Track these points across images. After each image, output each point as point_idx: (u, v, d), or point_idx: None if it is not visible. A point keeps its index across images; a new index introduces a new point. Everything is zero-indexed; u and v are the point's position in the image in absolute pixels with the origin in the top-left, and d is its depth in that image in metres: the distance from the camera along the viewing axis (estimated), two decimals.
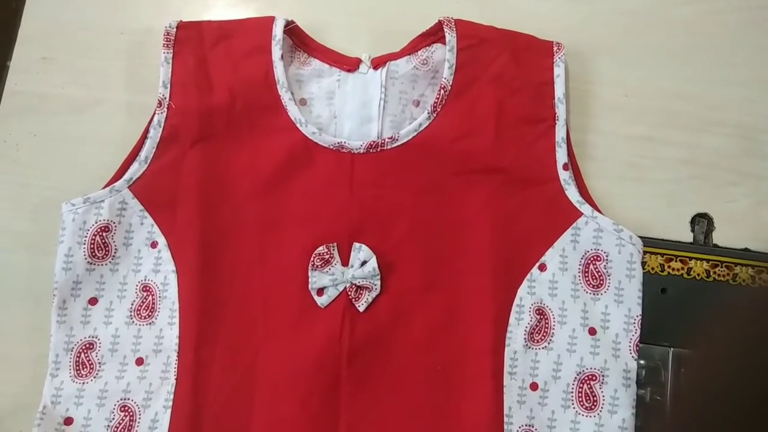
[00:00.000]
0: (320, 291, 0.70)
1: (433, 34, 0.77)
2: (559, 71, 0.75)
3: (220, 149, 0.74)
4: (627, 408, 0.68)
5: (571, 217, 0.72)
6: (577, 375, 0.69)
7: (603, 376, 0.69)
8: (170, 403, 0.68)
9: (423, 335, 0.70)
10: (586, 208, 0.71)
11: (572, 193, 0.72)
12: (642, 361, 0.70)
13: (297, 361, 0.69)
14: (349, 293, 0.70)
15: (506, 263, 0.71)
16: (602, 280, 0.70)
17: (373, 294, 0.70)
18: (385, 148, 0.73)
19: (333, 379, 0.69)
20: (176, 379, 0.68)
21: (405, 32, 0.78)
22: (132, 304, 0.71)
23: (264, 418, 0.68)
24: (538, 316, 0.70)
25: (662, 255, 0.73)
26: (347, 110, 0.76)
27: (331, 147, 0.73)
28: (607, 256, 0.70)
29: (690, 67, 0.80)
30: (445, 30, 0.75)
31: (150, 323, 0.70)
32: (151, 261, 0.72)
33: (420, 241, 0.72)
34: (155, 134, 0.73)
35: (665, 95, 0.79)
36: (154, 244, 0.72)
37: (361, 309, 0.70)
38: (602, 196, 0.75)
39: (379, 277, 0.70)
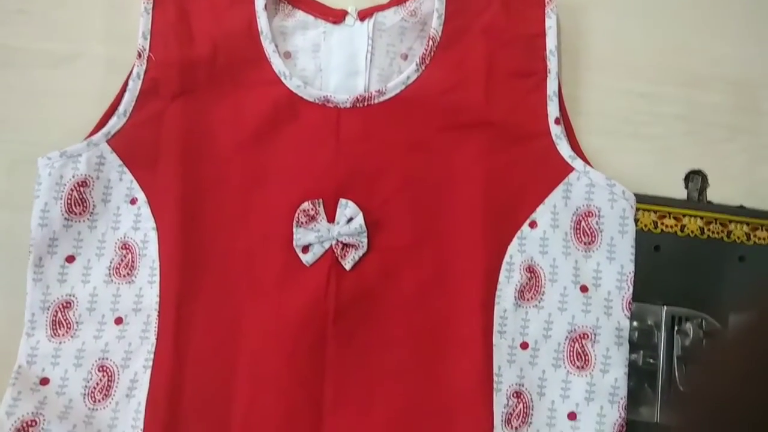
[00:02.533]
0: (305, 248, 0.68)
1: None
2: (550, 23, 0.73)
3: (201, 103, 0.71)
4: (619, 367, 0.67)
5: (562, 172, 0.70)
6: (569, 333, 0.67)
7: (595, 334, 0.67)
8: (150, 363, 0.66)
9: (411, 294, 0.68)
10: (578, 163, 0.70)
11: (564, 148, 0.70)
12: (635, 323, 0.68)
13: (282, 320, 0.67)
14: (335, 251, 0.68)
15: (496, 220, 0.69)
16: (594, 236, 0.69)
17: (360, 252, 0.68)
18: (372, 102, 0.71)
19: (319, 338, 0.67)
20: (156, 338, 0.66)
21: None
22: (111, 263, 0.69)
23: (248, 376, 0.66)
24: (529, 274, 0.68)
25: (655, 212, 0.71)
26: (333, 63, 0.74)
27: (317, 101, 0.71)
28: (599, 211, 0.69)
29: (687, 22, 0.78)
30: None
31: (129, 282, 0.68)
32: (130, 218, 0.69)
33: (408, 198, 0.70)
34: (134, 87, 0.70)
35: (661, 50, 0.77)
36: (133, 201, 0.70)
37: (348, 267, 0.68)
38: (594, 152, 0.73)
39: (365, 234, 0.68)
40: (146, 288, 0.68)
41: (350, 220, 0.69)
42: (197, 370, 0.66)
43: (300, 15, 0.75)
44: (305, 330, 0.67)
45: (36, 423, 0.64)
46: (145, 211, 0.69)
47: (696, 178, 0.73)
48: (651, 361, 0.69)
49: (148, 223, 0.69)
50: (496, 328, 0.67)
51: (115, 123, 0.70)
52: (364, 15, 0.75)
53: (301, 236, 0.68)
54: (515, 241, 0.69)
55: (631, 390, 0.67)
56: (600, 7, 0.78)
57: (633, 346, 0.68)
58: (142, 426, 0.64)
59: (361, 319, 0.68)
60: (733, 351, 0.46)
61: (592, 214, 0.69)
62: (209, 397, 0.66)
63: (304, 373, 0.66)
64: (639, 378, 0.68)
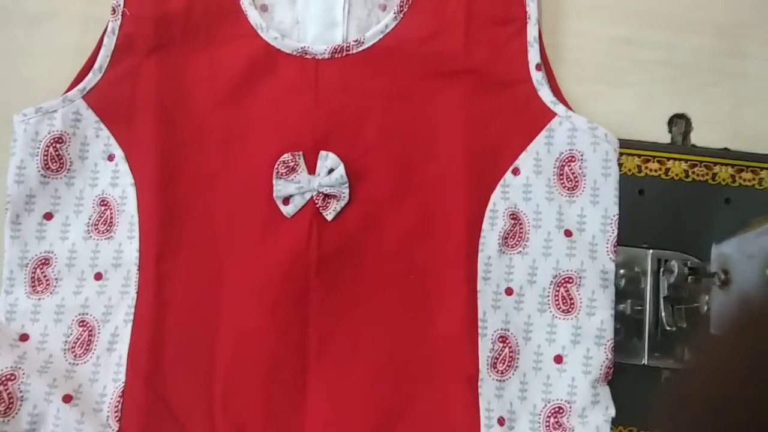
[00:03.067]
0: (286, 200, 0.68)
1: None
2: None
3: (177, 57, 0.70)
4: (605, 309, 0.66)
5: (544, 118, 0.69)
6: (553, 278, 0.67)
7: (580, 278, 0.66)
8: (131, 317, 0.65)
9: (394, 244, 0.67)
10: (559, 108, 0.69)
11: (545, 94, 0.69)
12: (622, 271, 0.68)
13: (264, 272, 0.66)
14: (316, 202, 0.67)
15: (478, 169, 0.68)
16: (577, 181, 0.68)
17: (342, 203, 0.67)
18: (350, 52, 0.70)
19: (302, 289, 0.66)
20: (137, 292, 0.65)
21: None
22: (89, 219, 0.68)
23: (231, 329, 0.65)
24: (513, 221, 0.68)
25: (639, 156, 0.71)
26: (310, 15, 0.73)
27: (294, 53, 0.70)
28: (582, 155, 0.68)
29: None
30: None
31: (108, 237, 0.67)
32: (108, 174, 0.69)
33: (389, 148, 0.69)
34: (110, 43, 0.70)
35: None
36: (111, 157, 0.69)
37: (329, 218, 0.67)
38: (577, 99, 0.72)
39: (347, 185, 0.67)
40: (125, 243, 0.67)
41: (331, 171, 0.68)
42: (179, 323, 0.65)
43: None
44: (288, 281, 0.66)
45: (15, 377, 0.63)
46: (123, 167, 0.68)
47: (679, 122, 0.73)
48: (639, 308, 0.68)
49: (126, 178, 0.68)
50: (480, 274, 0.66)
51: (91, 79, 0.69)
52: None
53: (281, 187, 0.67)
54: (498, 188, 0.68)
55: (620, 336, 0.66)
56: None
57: (621, 294, 0.68)
58: (123, 379, 0.64)
59: (343, 270, 0.67)
60: (726, 355, 0.45)
61: (575, 159, 0.68)
62: (191, 349, 0.65)
63: (288, 323, 0.66)
64: (627, 325, 0.67)
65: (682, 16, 0.76)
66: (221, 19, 0.71)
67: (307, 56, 0.70)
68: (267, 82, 0.70)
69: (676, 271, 0.66)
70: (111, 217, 0.68)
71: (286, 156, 0.67)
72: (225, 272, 0.67)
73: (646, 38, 0.75)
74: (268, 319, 0.65)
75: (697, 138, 0.72)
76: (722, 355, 0.46)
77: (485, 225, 0.67)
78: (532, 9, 0.71)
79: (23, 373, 0.64)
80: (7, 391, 0.63)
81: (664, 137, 0.72)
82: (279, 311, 0.66)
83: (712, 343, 0.55)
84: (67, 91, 0.69)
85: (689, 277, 0.66)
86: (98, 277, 0.67)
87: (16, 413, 0.63)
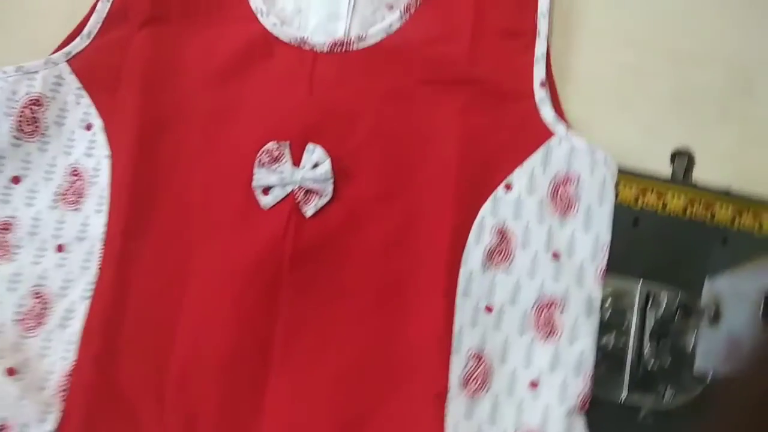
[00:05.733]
0: (266, 190, 0.64)
1: None
2: None
3: (171, 33, 0.68)
4: (587, 337, 0.63)
5: (543, 136, 0.66)
6: (537, 301, 0.64)
7: (564, 303, 0.63)
8: (89, 294, 0.62)
9: (374, 247, 0.64)
10: (560, 128, 0.66)
11: (547, 112, 0.67)
12: (607, 302, 0.65)
13: (234, 262, 0.63)
14: (297, 196, 0.64)
15: (470, 180, 0.65)
16: (571, 204, 0.65)
17: (324, 200, 0.64)
18: (351, 48, 0.68)
19: (272, 284, 0.63)
20: (99, 269, 0.62)
21: None
22: (58, 188, 0.65)
23: (192, 317, 0.62)
24: (500, 237, 0.65)
25: (637, 186, 0.68)
26: (314, 5, 0.71)
27: (292, 42, 0.68)
28: (578, 178, 0.65)
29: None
30: None
31: (76, 209, 0.64)
32: (84, 144, 0.66)
33: (380, 149, 0.66)
34: (103, 9, 0.67)
35: (657, 24, 0.74)
36: (89, 126, 0.66)
37: (309, 214, 0.64)
38: (578, 121, 0.69)
39: (331, 182, 0.64)
40: (93, 217, 0.64)
41: (316, 165, 0.65)
42: (138, 306, 0.62)
43: None
44: (258, 274, 0.63)
45: None
46: (101, 137, 0.65)
47: (682, 157, 0.70)
48: (622, 342, 0.64)
49: (102, 150, 0.65)
50: (460, 288, 0.63)
51: (78, 44, 0.67)
52: None
53: (261, 177, 0.64)
54: (488, 202, 0.65)
55: (600, 369, 0.63)
56: None
57: (605, 327, 0.64)
58: (73, 357, 0.60)
59: (318, 269, 0.64)
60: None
61: (571, 181, 0.65)
62: (149, 333, 0.62)
63: (253, 318, 0.62)
64: (609, 359, 0.64)
65: (694, 50, 0.73)
66: (222, 1, 0.68)
67: (306, 47, 0.67)
68: (261, 69, 0.68)
69: (664, 304, 0.63)
70: (81, 188, 0.65)
71: (271, 144, 0.64)
72: (193, 257, 0.63)
73: (656, 68, 0.72)
74: (233, 310, 0.62)
75: (699, 174, 0.70)
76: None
77: (471, 238, 0.64)
78: (542, 24, 0.68)
79: None
80: None
81: (665, 170, 0.69)
82: (245, 304, 0.63)
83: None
84: (53, 54, 0.66)
85: (678, 311, 0.63)
86: (60, 248, 0.63)
87: None
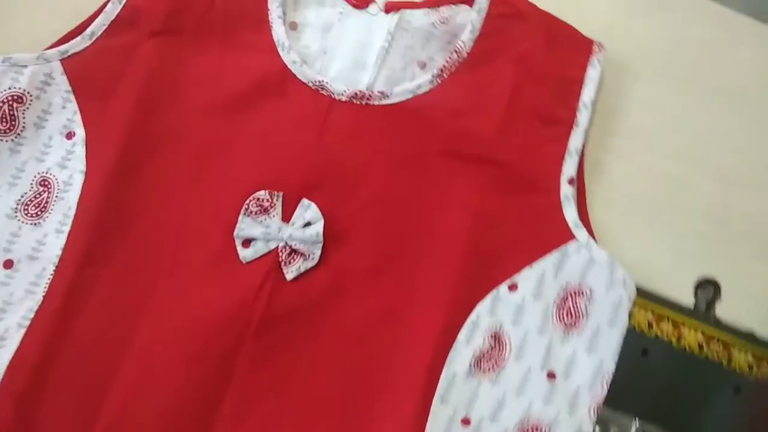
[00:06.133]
0: (247, 242, 0.58)
1: None
2: (593, 73, 0.63)
3: (182, 49, 0.62)
4: None
5: (561, 238, 0.60)
6: (521, 422, 0.57)
7: (551, 430, 0.56)
8: (27, 323, 0.55)
9: (352, 328, 0.58)
10: (581, 233, 0.59)
11: (570, 213, 0.60)
12: (597, 429, 0.58)
13: (196, 313, 0.57)
14: (280, 255, 0.58)
15: (473, 271, 0.59)
16: (578, 319, 0.58)
17: (308, 264, 0.58)
18: (371, 102, 0.61)
19: (232, 347, 0.57)
20: (44, 296, 0.55)
21: None
22: (22, 197, 0.59)
23: (135, 367, 0.55)
24: (493, 342, 0.58)
25: (653, 312, 0.61)
26: (341, 49, 0.65)
27: (310, 84, 0.62)
28: (591, 293, 0.58)
29: (741, 114, 0.68)
30: None
31: (35, 224, 0.58)
32: (60, 153, 0.60)
33: (381, 218, 0.60)
34: (112, 10, 0.62)
35: (703, 136, 0.68)
36: (69, 135, 0.60)
37: (289, 277, 0.58)
38: (603, 229, 0.63)
39: (320, 245, 0.58)
40: (52, 236, 0.57)
41: (308, 224, 0.58)
42: (79, 344, 0.56)
43: None
44: (218, 333, 0.56)
45: None
46: (80, 150, 0.59)
47: (707, 288, 0.63)
48: None
49: (78, 164, 0.59)
50: (439, 392, 0.56)
51: (78, 43, 0.61)
52: (390, 7, 0.66)
53: (245, 227, 0.58)
54: (488, 300, 0.58)
55: None
56: (649, 73, 0.69)
57: None
58: None
59: (285, 341, 0.57)
60: None
61: (583, 294, 0.58)
62: (83, 378, 0.55)
63: (203, 381, 0.56)
64: None
65: (738, 170, 0.67)
66: (243, 25, 0.64)
67: (323, 92, 0.61)
68: (270, 106, 0.62)
69: None
70: (46, 202, 0.58)
71: (263, 193, 0.58)
72: (152, 299, 0.57)
73: (695, 184, 0.66)
74: (182, 367, 0.56)
75: (723, 310, 0.63)
76: None
77: (461, 337, 0.57)
78: (583, 116, 0.62)
79: None
80: None
81: (687, 298, 0.63)
82: (198, 364, 0.56)
83: None
84: (47, 49, 0.60)
85: None
86: (8, 265, 0.57)
87: None
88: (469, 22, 0.63)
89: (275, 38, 0.63)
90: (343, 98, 0.62)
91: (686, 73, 0.69)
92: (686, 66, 0.69)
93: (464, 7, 0.66)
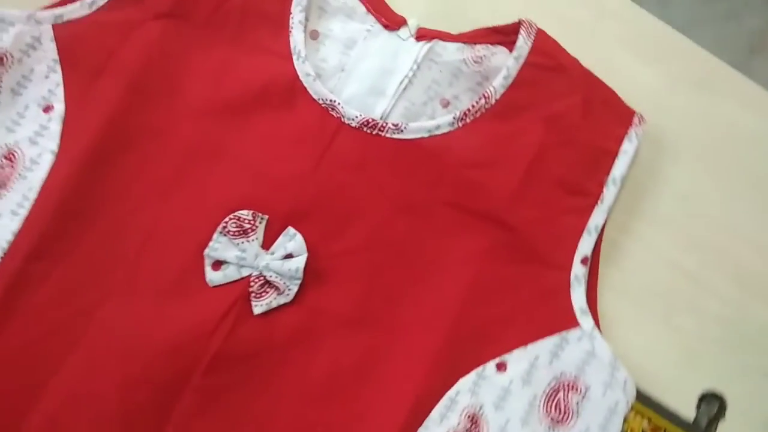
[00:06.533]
0: (217, 264, 0.52)
1: (505, 35, 0.59)
2: (628, 147, 0.58)
3: (188, 37, 0.57)
4: None
5: (564, 322, 0.54)
6: None
7: None
8: None
9: (317, 379, 0.52)
10: (586, 321, 0.54)
11: (578, 296, 0.54)
12: None
13: (146, 332, 0.51)
14: (252, 285, 0.51)
15: (460, 341, 0.53)
16: (568, 417, 0.52)
17: (282, 300, 0.52)
18: (383, 133, 0.55)
19: (176, 381, 0.51)
20: None
21: (478, 22, 0.61)
22: None
23: (61, 394, 0.49)
24: (468, 424, 0.51)
25: (650, 420, 0.55)
26: (360, 70, 0.59)
27: (320, 101, 0.56)
28: (586, 391, 0.52)
29: None
30: (521, 33, 0.57)
31: None
32: (33, 126, 0.54)
33: (371, 263, 0.54)
34: None
35: (733, 236, 0.62)
36: (47, 108, 0.54)
37: (257, 311, 0.52)
38: (608, 316, 0.58)
39: (298, 282, 0.52)
40: (5, 217, 0.52)
41: (289, 256, 0.52)
42: (10, 347, 0.49)
43: None
44: (164, 363, 0.51)
45: None
46: (55, 127, 0.53)
47: (712, 403, 0.58)
48: None
49: (51, 143, 0.53)
50: None
51: (75, 9, 0.56)
52: (423, 35, 0.60)
53: (219, 247, 0.52)
54: (471, 376, 0.53)
55: None
56: (687, 158, 0.63)
57: None
58: None
59: (240, 384, 0.51)
60: None
61: (577, 390, 0.52)
62: (8, 387, 0.49)
63: (135, 417, 0.50)
64: None
65: (761, 277, 0.60)
66: (260, 24, 0.58)
67: (333, 113, 0.55)
68: (271, 118, 0.56)
69: None
70: (7, 179, 0.52)
71: (245, 212, 0.52)
72: (100, 311, 0.51)
73: (715, 285, 0.61)
74: (115, 399, 0.49)
75: (726, 429, 0.57)
76: None
77: (434, 414, 0.51)
78: (610, 192, 0.57)
79: None
80: None
81: (689, 411, 0.57)
82: (133, 392, 0.50)
83: None
84: (41, 10, 0.54)
85: None
86: None
87: None
88: (504, 67, 0.57)
89: (292, 45, 0.57)
90: (353, 124, 0.56)
91: (728, 165, 0.63)
92: (729, 156, 0.64)
93: (502, 50, 0.60)
